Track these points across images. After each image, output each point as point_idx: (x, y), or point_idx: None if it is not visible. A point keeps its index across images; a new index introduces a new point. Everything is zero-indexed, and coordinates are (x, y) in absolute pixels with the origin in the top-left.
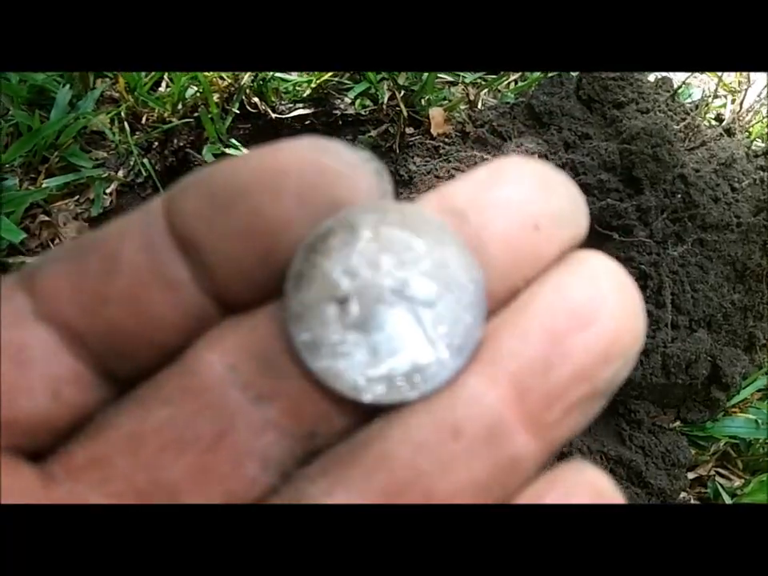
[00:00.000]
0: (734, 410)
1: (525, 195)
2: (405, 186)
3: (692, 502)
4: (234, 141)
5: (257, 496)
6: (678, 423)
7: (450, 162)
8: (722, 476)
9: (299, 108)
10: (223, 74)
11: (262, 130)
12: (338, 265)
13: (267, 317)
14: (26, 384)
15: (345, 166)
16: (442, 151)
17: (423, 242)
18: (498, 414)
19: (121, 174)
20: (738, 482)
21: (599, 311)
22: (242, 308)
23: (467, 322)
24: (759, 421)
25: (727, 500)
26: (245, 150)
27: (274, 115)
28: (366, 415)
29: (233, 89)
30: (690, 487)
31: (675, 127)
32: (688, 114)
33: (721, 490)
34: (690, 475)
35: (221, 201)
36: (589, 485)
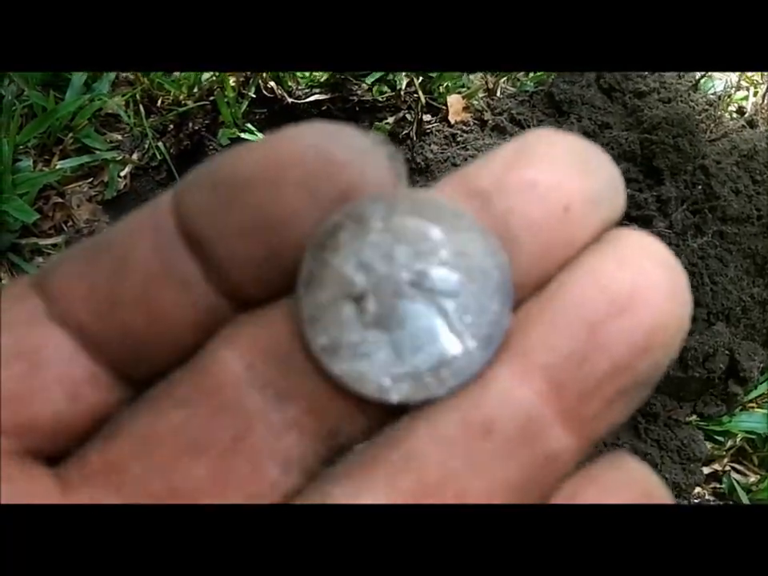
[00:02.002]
0: (751, 404)
1: (555, 174)
2: (422, 173)
3: (707, 497)
4: (249, 125)
5: (278, 499)
6: (694, 417)
7: (467, 149)
8: (738, 471)
9: (316, 93)
10: None
11: (278, 114)
12: (350, 261)
13: (282, 313)
14: (41, 387)
15: (354, 152)
16: (459, 139)
17: (440, 229)
18: (532, 409)
19: (135, 156)
20: (753, 478)
21: (639, 296)
22: (255, 304)
23: (494, 311)
24: None
25: (743, 496)
26: (260, 135)
27: (290, 100)
28: (391, 412)
29: (249, 73)
30: (704, 482)
31: (697, 118)
32: (710, 105)
33: (736, 485)
34: (705, 470)
35: (225, 194)
36: (634, 483)
